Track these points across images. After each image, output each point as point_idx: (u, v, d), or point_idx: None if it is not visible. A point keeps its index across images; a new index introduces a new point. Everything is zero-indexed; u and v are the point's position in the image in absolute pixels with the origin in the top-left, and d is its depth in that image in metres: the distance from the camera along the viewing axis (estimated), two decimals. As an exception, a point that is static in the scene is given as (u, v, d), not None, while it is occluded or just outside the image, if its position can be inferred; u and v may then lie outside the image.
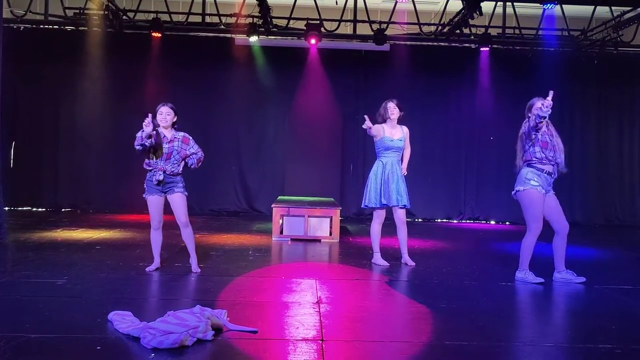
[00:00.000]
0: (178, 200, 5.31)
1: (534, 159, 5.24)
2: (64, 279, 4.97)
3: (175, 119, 5.34)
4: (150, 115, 5.06)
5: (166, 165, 5.23)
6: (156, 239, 5.45)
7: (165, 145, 5.22)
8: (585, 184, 11.49)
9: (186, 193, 5.37)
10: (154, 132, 5.11)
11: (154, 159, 5.23)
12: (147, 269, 5.40)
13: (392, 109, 6.04)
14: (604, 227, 11.04)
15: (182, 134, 5.37)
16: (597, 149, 11.60)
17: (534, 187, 5.21)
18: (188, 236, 5.47)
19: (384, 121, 6.08)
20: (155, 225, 5.38)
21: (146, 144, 5.05)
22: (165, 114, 5.26)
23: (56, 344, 3.34)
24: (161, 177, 5.19)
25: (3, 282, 4.84)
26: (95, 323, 3.72)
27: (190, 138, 5.41)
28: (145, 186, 5.29)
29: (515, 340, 3.73)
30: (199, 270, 5.48)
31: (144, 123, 5.01)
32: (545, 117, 4.98)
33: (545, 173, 5.25)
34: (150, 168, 5.24)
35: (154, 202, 5.30)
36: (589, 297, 5.01)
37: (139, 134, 5.04)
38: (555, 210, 5.36)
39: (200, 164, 5.43)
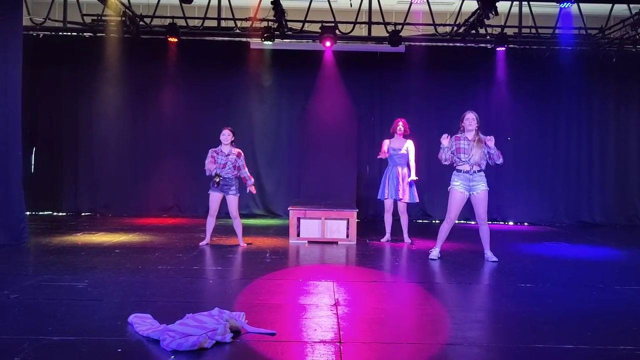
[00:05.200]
0: (231, 200, 7.17)
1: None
2: (84, 282, 5.04)
3: (233, 138, 7.16)
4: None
5: (222, 172, 7.04)
6: (210, 223, 7.22)
7: (222, 158, 7.04)
8: (605, 184, 11.33)
9: (238, 194, 7.22)
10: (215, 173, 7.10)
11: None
12: (200, 244, 7.25)
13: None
14: (625, 228, 10.89)
15: (237, 150, 7.15)
16: (616, 148, 11.44)
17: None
18: (237, 225, 7.32)
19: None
20: (211, 213, 7.19)
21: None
22: (226, 135, 7.12)
23: (77, 346, 3.39)
24: (218, 180, 7.05)
25: (25, 285, 4.92)
26: (115, 325, 3.77)
27: (242, 153, 7.21)
28: (210, 185, 7.13)
29: (533, 342, 3.69)
30: (245, 244, 7.30)
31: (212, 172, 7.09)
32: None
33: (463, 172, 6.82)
34: (209, 174, 7.12)
35: (214, 197, 7.14)
36: (610, 298, 4.95)
37: (207, 167, 7.08)
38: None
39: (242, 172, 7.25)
